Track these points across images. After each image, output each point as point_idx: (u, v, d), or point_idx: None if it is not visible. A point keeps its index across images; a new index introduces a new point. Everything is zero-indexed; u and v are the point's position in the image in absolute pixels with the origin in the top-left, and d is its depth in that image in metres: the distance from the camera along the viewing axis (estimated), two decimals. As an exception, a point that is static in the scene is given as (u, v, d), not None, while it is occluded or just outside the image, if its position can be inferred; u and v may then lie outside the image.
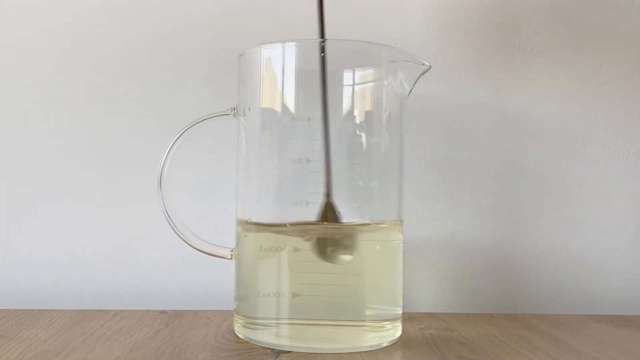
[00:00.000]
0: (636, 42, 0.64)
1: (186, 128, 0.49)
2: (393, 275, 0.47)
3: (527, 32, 0.62)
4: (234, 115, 0.49)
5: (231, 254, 0.49)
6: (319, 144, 0.44)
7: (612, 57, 0.63)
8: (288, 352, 0.43)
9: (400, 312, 0.48)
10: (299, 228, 0.45)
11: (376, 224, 0.46)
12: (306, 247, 0.44)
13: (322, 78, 0.44)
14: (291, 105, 0.45)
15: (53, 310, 0.54)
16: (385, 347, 0.45)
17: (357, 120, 0.45)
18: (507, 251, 0.62)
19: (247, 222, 0.47)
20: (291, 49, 0.45)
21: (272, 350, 0.44)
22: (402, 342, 0.47)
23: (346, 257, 0.45)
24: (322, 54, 0.44)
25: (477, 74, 0.62)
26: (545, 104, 0.63)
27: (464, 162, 0.62)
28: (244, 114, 0.47)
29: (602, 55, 0.63)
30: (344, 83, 0.45)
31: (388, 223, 0.47)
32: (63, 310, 0.54)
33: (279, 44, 0.45)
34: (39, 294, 0.59)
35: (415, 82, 0.48)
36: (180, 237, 0.49)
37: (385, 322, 0.46)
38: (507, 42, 0.62)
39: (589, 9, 0.63)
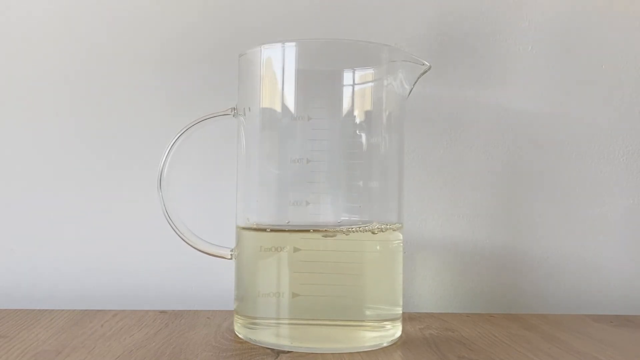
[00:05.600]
0: (636, 41, 0.64)
1: (186, 128, 0.49)
2: (393, 275, 0.47)
3: (527, 32, 0.62)
4: (234, 115, 0.49)
5: (231, 254, 0.49)
6: (319, 144, 0.44)
7: (612, 57, 0.63)
8: (288, 352, 0.43)
9: (400, 312, 0.48)
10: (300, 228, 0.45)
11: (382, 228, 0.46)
12: (306, 246, 0.44)
13: None
14: (291, 105, 0.45)
15: (53, 310, 0.54)
16: (385, 347, 0.45)
17: (357, 120, 0.45)
18: (507, 251, 0.62)
19: (247, 222, 0.47)
20: (291, 49, 0.45)
21: (272, 350, 0.44)
22: (402, 342, 0.47)
23: None
24: None
25: (477, 73, 0.62)
26: (545, 104, 0.63)
27: (464, 162, 0.62)
28: (244, 114, 0.47)
29: (602, 55, 0.63)
30: (344, 83, 0.45)
31: (388, 223, 0.47)
32: (63, 310, 0.54)
33: (279, 44, 0.45)
34: (39, 294, 0.59)
35: (416, 82, 0.48)
36: (180, 237, 0.49)
37: (385, 322, 0.46)
38: (507, 41, 0.62)
39: (588, 9, 0.63)
